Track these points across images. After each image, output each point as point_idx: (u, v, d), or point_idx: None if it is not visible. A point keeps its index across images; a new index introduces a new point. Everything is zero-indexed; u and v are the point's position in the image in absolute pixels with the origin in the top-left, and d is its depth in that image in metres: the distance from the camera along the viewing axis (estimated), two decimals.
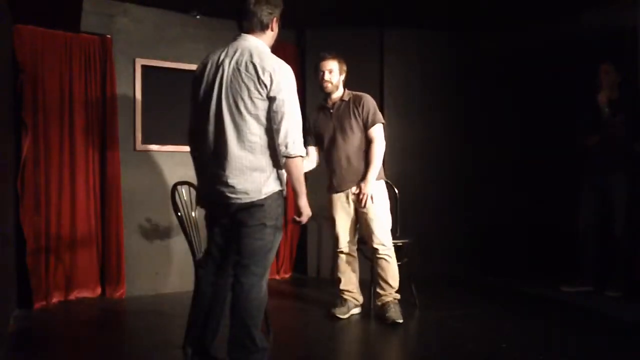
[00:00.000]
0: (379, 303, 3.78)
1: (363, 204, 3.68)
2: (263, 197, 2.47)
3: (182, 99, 4.53)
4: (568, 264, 4.70)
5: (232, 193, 2.47)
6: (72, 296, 4.31)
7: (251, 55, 2.46)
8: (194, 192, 3.40)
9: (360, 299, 3.95)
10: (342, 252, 3.87)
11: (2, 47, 3.46)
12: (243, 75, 2.43)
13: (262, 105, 2.43)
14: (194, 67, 4.86)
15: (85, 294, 4.37)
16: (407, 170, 5.13)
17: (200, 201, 2.73)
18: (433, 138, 5.31)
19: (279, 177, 2.54)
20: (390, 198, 3.93)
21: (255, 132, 2.45)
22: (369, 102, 3.76)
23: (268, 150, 2.48)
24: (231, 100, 2.45)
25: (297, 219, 2.59)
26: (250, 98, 2.42)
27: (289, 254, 5.37)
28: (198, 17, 4.82)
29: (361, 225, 3.83)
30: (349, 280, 3.89)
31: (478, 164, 5.31)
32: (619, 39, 4.48)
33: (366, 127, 3.72)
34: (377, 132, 3.72)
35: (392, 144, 5.30)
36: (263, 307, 2.55)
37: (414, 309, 4.12)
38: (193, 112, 2.62)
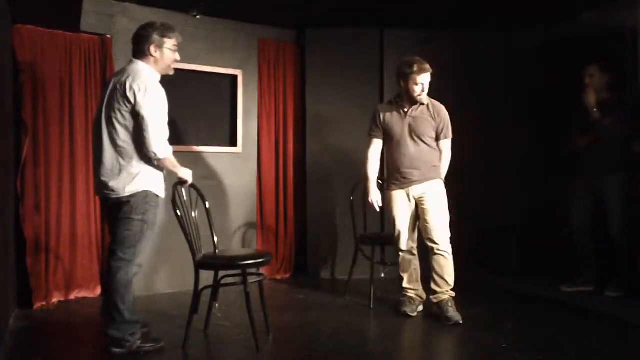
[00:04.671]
0: (435, 300, 3.78)
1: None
2: (127, 194, 2.98)
3: (181, 99, 4.57)
4: (568, 264, 4.70)
5: (105, 189, 3.02)
6: (72, 296, 4.32)
7: (128, 76, 2.98)
8: (194, 192, 3.41)
9: (424, 294, 3.96)
10: (401, 251, 3.92)
11: (2, 47, 3.46)
12: (118, 91, 2.97)
13: (129, 117, 2.97)
14: (194, 67, 4.96)
15: (85, 294, 4.37)
16: None
17: None
18: None
19: (147, 179, 3.04)
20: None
21: (125, 139, 2.99)
22: (446, 115, 3.86)
23: (136, 156, 3.00)
24: (109, 112, 3.00)
25: (183, 179, 3.21)
26: (120, 111, 2.96)
27: (289, 254, 5.36)
28: (198, 17, 4.82)
29: (421, 223, 3.84)
30: (412, 277, 3.94)
31: (477, 164, 5.30)
32: (619, 39, 4.48)
33: (438, 137, 3.86)
34: (447, 147, 3.88)
35: None
36: (129, 287, 3.03)
37: None
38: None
